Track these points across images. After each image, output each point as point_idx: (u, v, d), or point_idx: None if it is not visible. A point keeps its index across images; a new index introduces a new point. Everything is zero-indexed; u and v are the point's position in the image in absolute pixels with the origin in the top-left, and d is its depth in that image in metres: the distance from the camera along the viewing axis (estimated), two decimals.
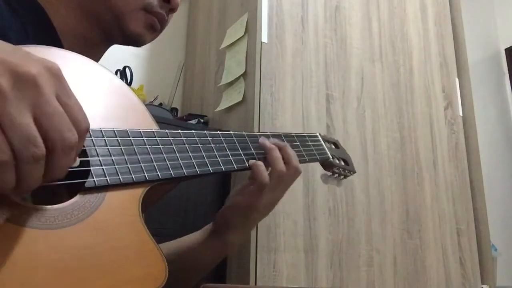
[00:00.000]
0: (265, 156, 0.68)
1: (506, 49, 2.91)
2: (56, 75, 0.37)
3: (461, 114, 1.79)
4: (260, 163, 0.66)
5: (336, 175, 0.84)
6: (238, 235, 0.71)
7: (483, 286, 1.57)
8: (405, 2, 1.76)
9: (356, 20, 1.59)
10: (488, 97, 2.75)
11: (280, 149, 0.69)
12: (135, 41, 0.68)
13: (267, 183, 0.66)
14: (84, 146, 0.46)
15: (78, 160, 0.45)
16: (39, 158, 0.35)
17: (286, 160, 0.69)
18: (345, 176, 0.86)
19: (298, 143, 0.75)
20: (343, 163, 0.84)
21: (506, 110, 2.85)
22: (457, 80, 1.83)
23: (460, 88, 1.83)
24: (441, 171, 1.62)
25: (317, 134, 0.81)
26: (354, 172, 0.87)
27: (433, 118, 1.68)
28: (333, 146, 0.85)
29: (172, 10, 0.69)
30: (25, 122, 0.34)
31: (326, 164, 0.83)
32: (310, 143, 0.78)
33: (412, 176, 1.53)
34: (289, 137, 0.75)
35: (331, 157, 0.81)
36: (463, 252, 1.57)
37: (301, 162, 0.73)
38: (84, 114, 0.39)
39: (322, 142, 0.81)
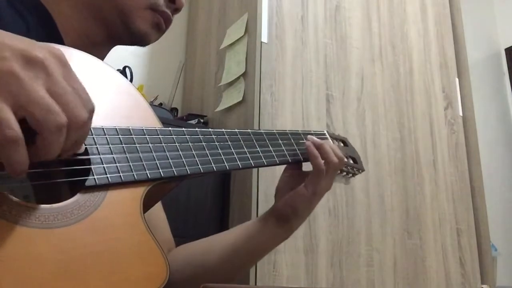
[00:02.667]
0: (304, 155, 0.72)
1: (506, 49, 2.91)
2: (60, 60, 0.39)
3: (461, 114, 1.79)
4: (317, 153, 0.70)
5: (345, 173, 0.83)
6: (301, 221, 0.75)
7: (483, 286, 1.57)
8: (405, 2, 1.76)
9: (356, 20, 1.59)
10: (488, 97, 2.75)
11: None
12: (141, 40, 0.67)
13: (323, 169, 0.70)
14: (85, 144, 0.46)
15: (83, 146, 0.45)
16: (63, 126, 0.36)
17: (335, 152, 0.73)
18: (354, 174, 0.84)
19: (305, 141, 0.73)
20: (351, 161, 0.83)
21: (506, 110, 2.85)
22: (457, 80, 1.83)
23: (460, 88, 1.83)
24: (441, 171, 1.62)
25: (325, 131, 0.80)
26: (363, 170, 0.86)
27: (433, 118, 1.68)
28: (341, 144, 0.84)
29: (177, 10, 0.69)
30: (43, 95, 0.36)
31: None
32: None
33: (412, 176, 1.53)
34: (295, 135, 0.73)
35: None
36: (463, 252, 1.57)
37: (307, 160, 0.73)
38: (89, 96, 0.40)
39: (330, 140, 0.79)
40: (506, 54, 2.91)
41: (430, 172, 1.59)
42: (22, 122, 0.35)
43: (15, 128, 0.34)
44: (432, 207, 1.54)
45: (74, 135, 0.39)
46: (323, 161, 0.70)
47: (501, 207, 2.52)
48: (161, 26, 0.67)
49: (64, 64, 0.39)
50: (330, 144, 0.73)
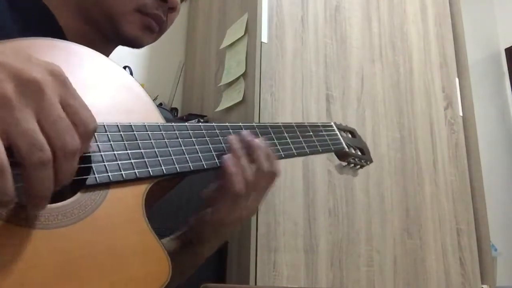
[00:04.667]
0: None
1: (506, 49, 2.91)
2: (59, 77, 0.37)
3: (461, 114, 1.79)
4: (236, 170, 0.56)
5: (352, 165, 0.81)
6: (209, 249, 0.64)
7: (483, 286, 1.57)
8: (405, 2, 1.76)
9: (356, 20, 1.59)
10: (488, 97, 2.75)
11: (251, 149, 0.59)
12: (133, 43, 0.65)
13: (241, 195, 0.56)
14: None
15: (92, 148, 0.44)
16: (46, 162, 0.35)
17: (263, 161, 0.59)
18: (362, 166, 0.82)
19: (311, 133, 0.71)
20: (359, 153, 0.82)
21: (506, 110, 2.85)
22: (457, 80, 1.83)
23: (460, 88, 1.83)
24: (441, 171, 1.62)
25: (332, 123, 0.79)
26: (371, 162, 0.83)
27: (433, 118, 1.68)
28: (349, 135, 0.83)
29: (172, 9, 0.66)
30: (31, 128, 0.34)
31: (341, 154, 0.79)
32: (324, 132, 0.74)
33: (412, 176, 1.53)
34: (301, 127, 0.71)
35: (346, 147, 0.77)
36: (463, 252, 1.56)
37: (314, 153, 0.69)
38: (91, 114, 0.39)
39: (337, 132, 0.77)
40: (506, 54, 2.91)
41: (430, 172, 1.59)
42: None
43: (2, 156, 0.32)
44: (432, 207, 1.54)
45: (67, 165, 0.37)
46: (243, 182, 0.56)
47: (501, 207, 2.52)
48: (152, 28, 0.64)
49: (62, 81, 0.38)
50: (262, 149, 0.59)
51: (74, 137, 0.37)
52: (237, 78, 1.37)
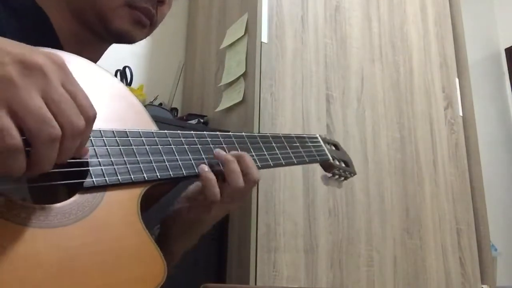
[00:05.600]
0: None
1: (506, 49, 2.91)
2: (60, 65, 0.38)
3: (461, 114, 1.79)
4: (211, 176, 0.57)
5: (337, 176, 0.84)
6: (181, 247, 0.64)
7: (483, 286, 1.57)
8: (405, 2, 1.76)
9: (356, 20, 1.59)
10: (488, 97, 2.75)
11: (239, 160, 0.60)
12: (124, 38, 0.65)
13: (217, 200, 0.57)
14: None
15: (88, 153, 0.45)
16: (56, 138, 0.36)
17: (245, 172, 0.60)
18: (346, 178, 0.86)
19: (298, 144, 0.75)
20: (343, 165, 0.85)
21: (506, 110, 2.85)
22: (457, 80, 1.83)
23: (460, 88, 1.83)
24: (441, 171, 1.62)
25: (317, 135, 0.82)
26: (355, 174, 0.87)
27: (433, 118, 1.68)
28: (333, 148, 0.86)
29: (161, 2, 0.65)
30: (38, 105, 0.35)
31: (326, 166, 0.83)
32: (310, 144, 0.78)
33: (412, 176, 1.53)
34: (288, 138, 0.74)
35: (331, 158, 0.81)
36: (463, 252, 1.57)
37: (301, 163, 0.72)
38: (90, 103, 0.40)
39: (322, 144, 0.81)
40: (506, 54, 2.91)
41: (430, 172, 1.59)
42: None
43: (17, 136, 0.34)
44: (432, 207, 1.54)
45: (71, 144, 0.38)
46: (217, 188, 0.57)
47: (501, 207, 2.52)
48: (143, 22, 0.64)
49: (64, 70, 0.39)
50: (246, 160, 0.60)
51: (80, 117, 0.38)
52: (237, 78, 1.38)
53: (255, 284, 1.12)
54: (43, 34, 0.60)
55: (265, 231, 1.17)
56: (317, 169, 1.31)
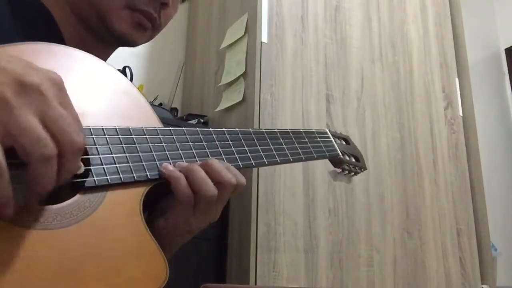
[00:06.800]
0: None
1: (506, 49, 2.91)
2: (58, 85, 0.38)
3: (461, 114, 1.79)
4: (179, 174, 0.51)
5: (346, 171, 0.82)
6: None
7: (483, 286, 1.57)
8: (405, 2, 1.76)
9: (356, 20, 1.59)
10: (488, 97, 2.75)
11: (206, 169, 0.53)
12: (125, 41, 0.64)
13: (190, 203, 0.51)
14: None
15: (82, 167, 0.45)
16: (50, 157, 0.35)
17: (214, 178, 0.53)
18: (356, 173, 0.83)
19: (306, 140, 0.72)
20: (353, 160, 0.83)
21: (506, 110, 2.85)
22: (457, 80, 1.83)
23: (460, 88, 1.82)
24: (441, 171, 1.62)
25: (327, 130, 0.80)
26: (365, 169, 0.84)
27: (433, 118, 1.68)
28: (343, 142, 0.84)
29: (164, 5, 0.64)
30: (33, 125, 0.35)
31: (336, 161, 0.80)
32: (319, 139, 0.76)
33: (412, 176, 1.53)
34: (297, 134, 0.72)
35: (340, 153, 0.78)
36: (463, 252, 1.56)
37: (309, 159, 0.70)
38: (81, 125, 0.40)
39: (332, 139, 0.78)
40: (506, 54, 2.91)
41: (430, 172, 1.59)
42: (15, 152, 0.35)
43: (2, 159, 0.33)
44: (432, 207, 1.54)
45: (73, 161, 0.38)
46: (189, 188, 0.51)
47: (501, 207, 2.52)
48: (144, 25, 0.63)
49: (60, 89, 0.38)
50: (213, 166, 0.53)
51: (80, 134, 0.38)
52: (237, 78, 1.38)
53: (255, 284, 1.12)
54: (47, 32, 0.60)
55: (265, 231, 1.17)
56: (317, 169, 1.31)
